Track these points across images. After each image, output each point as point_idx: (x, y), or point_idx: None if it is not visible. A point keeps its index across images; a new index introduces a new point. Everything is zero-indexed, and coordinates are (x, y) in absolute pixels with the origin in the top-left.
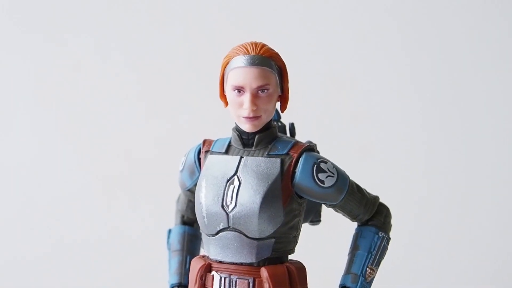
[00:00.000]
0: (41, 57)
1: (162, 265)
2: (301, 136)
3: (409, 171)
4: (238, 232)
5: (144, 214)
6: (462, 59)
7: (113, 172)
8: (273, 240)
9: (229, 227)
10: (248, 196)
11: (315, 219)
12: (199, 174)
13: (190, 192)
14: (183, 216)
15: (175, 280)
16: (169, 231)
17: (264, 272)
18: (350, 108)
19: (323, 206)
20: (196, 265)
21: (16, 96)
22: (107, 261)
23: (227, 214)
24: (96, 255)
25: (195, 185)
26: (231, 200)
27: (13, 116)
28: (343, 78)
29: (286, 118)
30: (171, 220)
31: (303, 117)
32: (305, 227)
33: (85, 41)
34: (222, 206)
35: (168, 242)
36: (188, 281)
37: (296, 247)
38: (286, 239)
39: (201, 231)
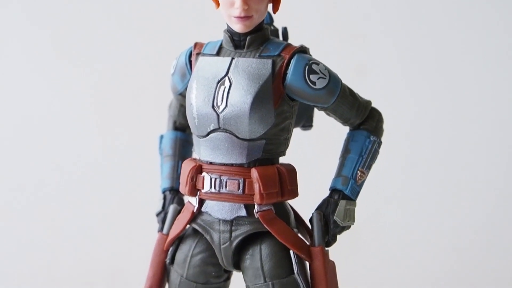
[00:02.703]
0: None
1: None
2: (294, 42)
3: (403, 91)
4: (228, 133)
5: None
6: None
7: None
8: (263, 141)
9: (219, 128)
10: (239, 96)
11: (307, 124)
12: (190, 76)
13: (182, 96)
14: (175, 122)
15: (167, 184)
16: (161, 136)
17: (254, 172)
18: (346, 24)
19: (315, 111)
20: (187, 167)
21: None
22: (102, 182)
23: (218, 115)
24: (91, 176)
25: (186, 88)
26: (222, 100)
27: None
28: None
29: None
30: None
31: (297, 23)
32: (297, 132)
33: None
34: (213, 106)
35: (160, 147)
36: (179, 185)
37: (288, 151)
38: (277, 140)
39: (192, 133)
